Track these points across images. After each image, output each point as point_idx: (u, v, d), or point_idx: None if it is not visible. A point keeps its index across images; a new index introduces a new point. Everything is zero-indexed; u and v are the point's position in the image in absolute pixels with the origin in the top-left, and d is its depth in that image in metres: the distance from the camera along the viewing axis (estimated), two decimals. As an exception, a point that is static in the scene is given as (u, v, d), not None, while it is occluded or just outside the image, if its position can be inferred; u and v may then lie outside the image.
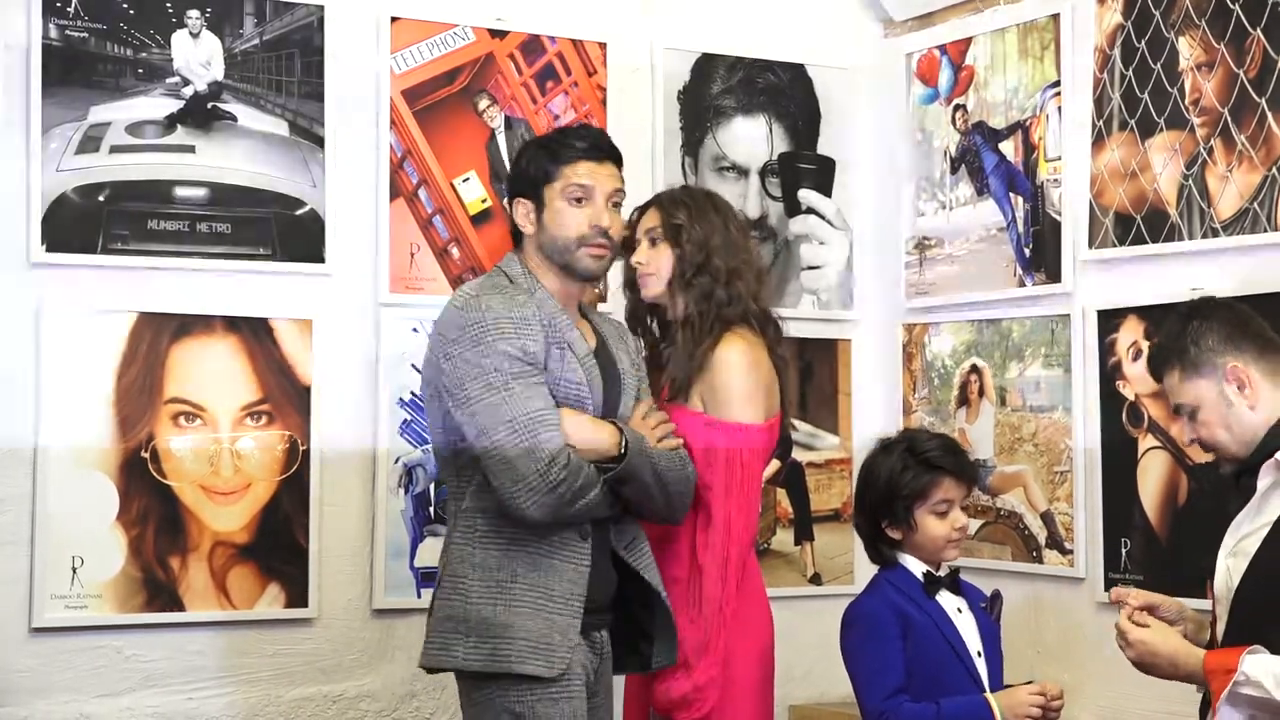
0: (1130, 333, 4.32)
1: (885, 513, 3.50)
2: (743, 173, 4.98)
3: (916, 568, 3.49)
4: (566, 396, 3.37)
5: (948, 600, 3.50)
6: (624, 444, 3.37)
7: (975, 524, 4.76)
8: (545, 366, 3.35)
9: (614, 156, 3.53)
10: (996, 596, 3.61)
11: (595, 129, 3.59)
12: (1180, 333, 3.18)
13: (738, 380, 3.67)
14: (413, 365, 4.39)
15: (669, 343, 3.78)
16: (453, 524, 3.44)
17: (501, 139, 4.59)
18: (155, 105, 4.21)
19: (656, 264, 3.76)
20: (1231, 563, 3.09)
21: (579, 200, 3.44)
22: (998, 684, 3.49)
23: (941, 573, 3.52)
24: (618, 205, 3.51)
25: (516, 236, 3.54)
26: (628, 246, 3.75)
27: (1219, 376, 3.12)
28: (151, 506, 4.12)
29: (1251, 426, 3.11)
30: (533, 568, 3.33)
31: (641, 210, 3.82)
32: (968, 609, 3.52)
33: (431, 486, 4.41)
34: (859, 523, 3.62)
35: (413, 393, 4.40)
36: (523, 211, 3.49)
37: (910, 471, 3.45)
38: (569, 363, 3.40)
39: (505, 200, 3.63)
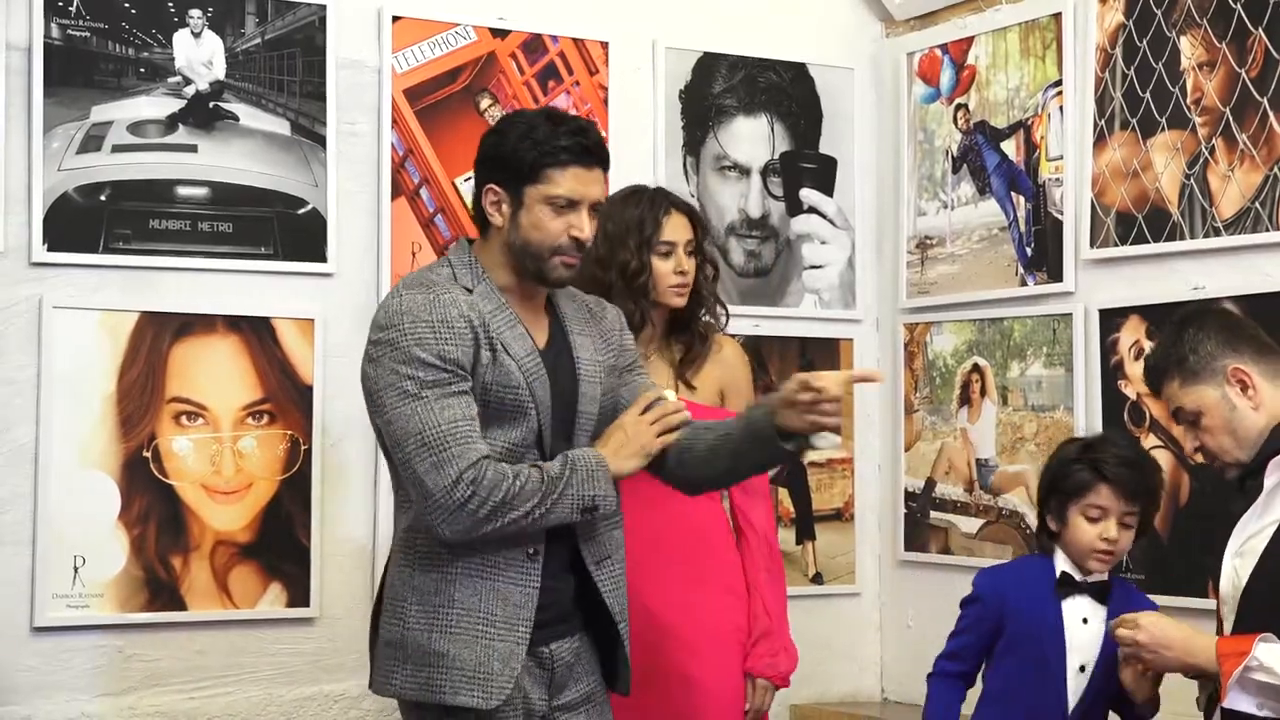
0: (1132, 332, 4.32)
1: (1047, 503, 3.46)
2: (744, 172, 4.98)
3: (1060, 564, 3.41)
4: (502, 401, 3.11)
5: (1076, 606, 3.39)
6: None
7: (977, 523, 4.76)
8: (473, 372, 3.08)
9: (604, 162, 3.21)
10: None
11: (586, 124, 3.21)
12: (1176, 342, 3.17)
13: (748, 376, 3.92)
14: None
15: (691, 347, 3.84)
16: (395, 541, 3.21)
17: (503, 138, 4.58)
18: (157, 104, 4.21)
19: (691, 274, 3.80)
20: (1238, 563, 3.08)
21: (561, 208, 3.11)
22: (1098, 705, 3.40)
23: (1090, 577, 3.39)
24: (596, 210, 3.19)
25: (480, 223, 3.22)
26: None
27: (1220, 380, 3.12)
28: (153, 506, 4.12)
29: (1255, 427, 3.10)
30: (472, 592, 3.09)
31: (664, 213, 3.79)
32: (1097, 621, 3.37)
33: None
34: (1038, 507, 3.57)
35: (414, 392, 4.39)
36: (493, 200, 3.14)
37: (1076, 466, 3.39)
38: (503, 365, 3.11)
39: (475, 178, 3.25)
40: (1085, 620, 3.37)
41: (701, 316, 3.88)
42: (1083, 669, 3.37)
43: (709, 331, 3.88)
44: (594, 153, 3.16)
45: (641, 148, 4.80)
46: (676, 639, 3.71)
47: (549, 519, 3.07)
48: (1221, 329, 3.17)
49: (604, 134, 4.67)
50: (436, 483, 2.98)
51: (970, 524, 4.79)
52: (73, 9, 4.12)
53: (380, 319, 3.08)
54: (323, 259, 4.35)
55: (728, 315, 3.96)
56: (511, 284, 3.18)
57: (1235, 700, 2.93)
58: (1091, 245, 4.44)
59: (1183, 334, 3.18)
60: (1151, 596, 4.19)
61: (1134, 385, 4.31)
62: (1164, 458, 4.21)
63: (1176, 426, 3.26)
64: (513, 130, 3.16)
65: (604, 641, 3.28)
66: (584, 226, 3.13)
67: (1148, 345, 4.26)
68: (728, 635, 3.78)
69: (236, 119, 4.29)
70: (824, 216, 5.10)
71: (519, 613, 3.09)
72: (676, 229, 3.79)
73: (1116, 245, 4.37)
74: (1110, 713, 3.46)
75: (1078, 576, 3.40)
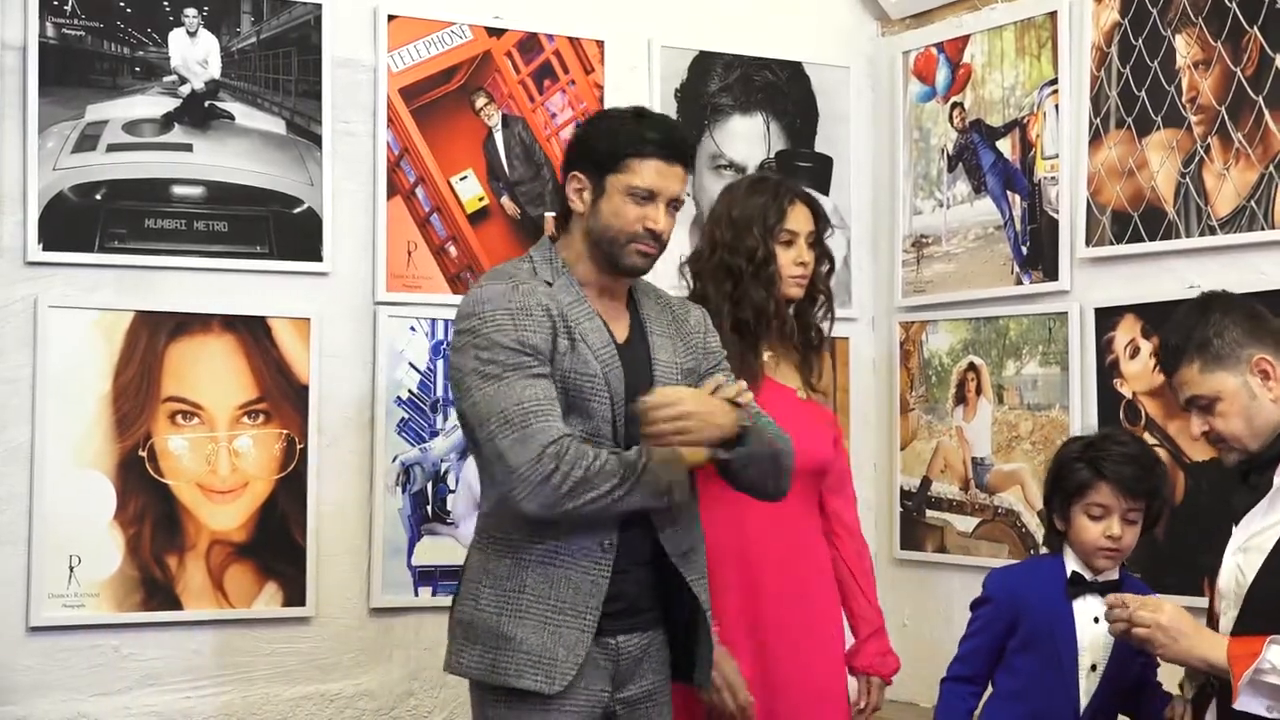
0: (1127, 331, 4.32)
1: (1051, 502, 3.46)
2: (740, 171, 4.98)
3: (1071, 564, 3.41)
4: (580, 389, 3.21)
5: (1087, 606, 3.38)
6: (741, 424, 3.19)
7: (973, 522, 4.76)
8: (551, 359, 3.18)
9: (686, 160, 3.31)
10: None
11: (673, 121, 3.39)
12: (1199, 325, 3.15)
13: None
14: (410, 364, 4.41)
15: (806, 339, 3.87)
16: (477, 527, 3.32)
17: (499, 137, 4.60)
18: (152, 104, 4.21)
19: (812, 267, 3.82)
20: (1241, 559, 3.08)
21: (641, 199, 3.21)
22: (1110, 705, 3.40)
23: (1101, 576, 3.39)
24: (676, 208, 3.30)
25: (563, 214, 3.33)
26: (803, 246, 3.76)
27: (1243, 368, 3.11)
28: (149, 505, 4.12)
29: (1272, 419, 3.09)
30: (543, 579, 3.17)
31: (789, 202, 3.79)
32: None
33: (429, 485, 4.42)
34: (1044, 504, 3.56)
35: (410, 391, 4.40)
36: (576, 187, 3.25)
37: (1078, 465, 3.39)
38: (580, 354, 3.21)
39: (562, 171, 3.34)
40: (1096, 620, 3.33)
41: (817, 312, 3.88)
42: (1094, 668, 3.37)
43: (818, 325, 3.90)
44: (677, 148, 3.28)
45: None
46: (784, 642, 3.71)
47: (626, 502, 3.13)
48: (1246, 317, 3.16)
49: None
50: (520, 457, 3.07)
51: (966, 523, 4.79)
52: (68, 8, 4.11)
53: (463, 309, 3.20)
54: (318, 258, 4.34)
55: (831, 315, 3.95)
56: (591, 277, 3.28)
57: (1247, 703, 2.92)
58: (1087, 244, 4.44)
59: (1207, 317, 3.15)
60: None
61: (1129, 384, 4.32)
62: (1160, 457, 4.21)
63: (1184, 410, 3.23)
64: (602, 121, 3.34)
65: (681, 634, 3.35)
66: (660, 219, 3.23)
67: (1143, 344, 4.26)
68: (834, 634, 3.81)
69: (232, 118, 4.29)
70: (820, 215, 5.10)
71: (588, 601, 3.17)
72: (799, 219, 3.80)
73: (1112, 244, 4.38)
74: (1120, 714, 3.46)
75: (1088, 576, 3.39)
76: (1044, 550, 3.62)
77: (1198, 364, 3.14)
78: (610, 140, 3.24)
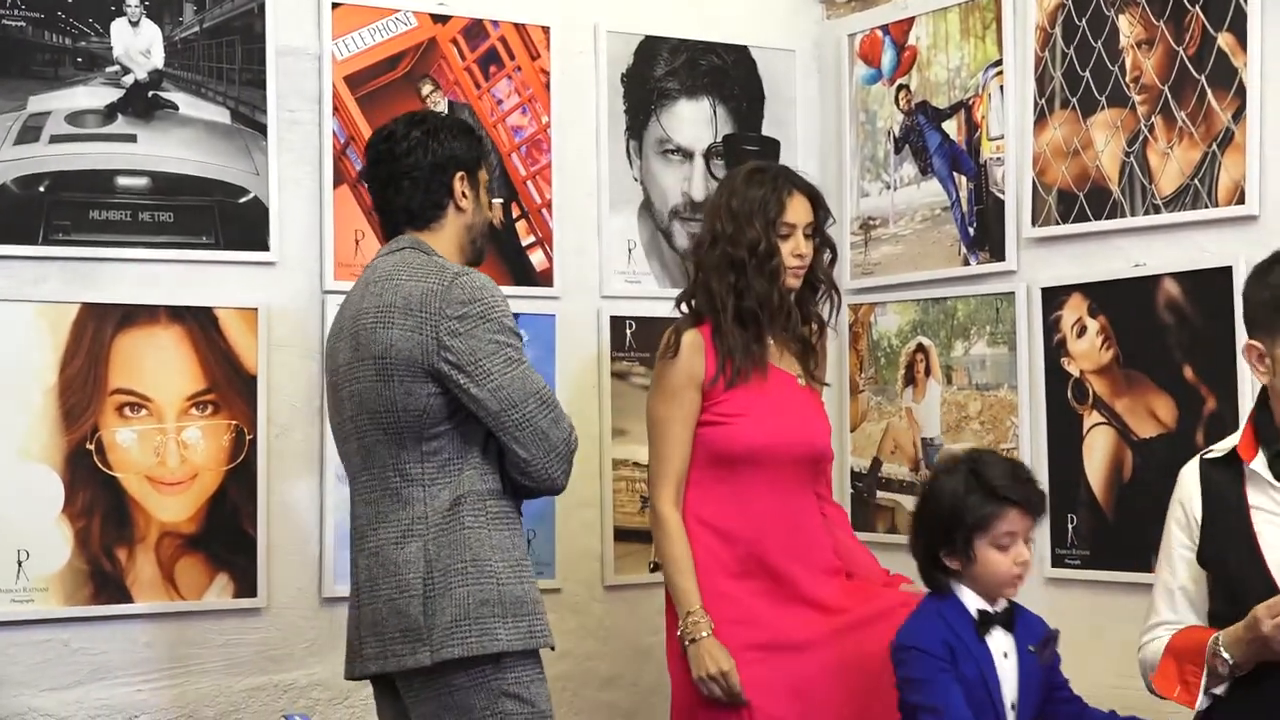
0: (1074, 310, 4.35)
1: (944, 540, 3.24)
2: (687, 155, 4.98)
3: (971, 602, 3.25)
4: None
5: (996, 642, 3.26)
6: None
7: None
8: None
9: None
10: (1050, 639, 3.35)
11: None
12: None
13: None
14: (359, 352, 4.39)
15: (809, 335, 3.94)
16: (444, 515, 3.36)
17: (445, 124, 4.58)
18: (95, 94, 4.18)
19: (810, 258, 3.87)
20: None
21: (490, 191, 3.65)
22: None
23: (998, 607, 3.27)
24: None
25: (429, 214, 3.53)
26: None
27: None
28: (98, 498, 4.10)
29: None
30: (524, 541, 3.44)
31: (788, 194, 3.84)
32: (1013, 652, 3.26)
33: (380, 474, 4.40)
34: (915, 545, 3.34)
35: (359, 380, 4.39)
36: (462, 189, 3.54)
37: (974, 498, 3.20)
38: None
39: (440, 176, 3.54)
40: (1006, 655, 3.26)
41: (818, 302, 3.94)
42: (1013, 706, 3.26)
43: (819, 315, 3.96)
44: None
45: (584, 132, 4.80)
46: (809, 635, 3.76)
47: None
48: None
49: (546, 119, 4.69)
50: (558, 435, 3.36)
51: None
52: (8, -1, 4.09)
53: (459, 296, 3.34)
54: (265, 248, 4.32)
55: (839, 303, 4.03)
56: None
57: None
58: (1033, 224, 4.46)
59: None
60: (1096, 571, 4.27)
61: (1077, 363, 4.34)
62: (1108, 434, 4.25)
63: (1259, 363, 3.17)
64: (467, 127, 3.65)
65: None
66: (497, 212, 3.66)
67: (1090, 323, 4.29)
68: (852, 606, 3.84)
69: (176, 108, 4.26)
70: (767, 199, 5.10)
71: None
72: (798, 210, 3.85)
73: (1058, 224, 4.40)
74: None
75: (990, 609, 3.27)
76: (924, 589, 3.40)
77: None
78: (475, 142, 3.60)
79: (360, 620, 3.45)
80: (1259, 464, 3.16)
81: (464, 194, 3.53)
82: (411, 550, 3.36)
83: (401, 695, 3.44)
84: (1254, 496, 3.17)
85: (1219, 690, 3.13)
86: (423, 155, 3.50)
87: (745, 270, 3.79)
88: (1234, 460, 3.21)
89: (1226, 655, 3.07)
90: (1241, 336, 3.87)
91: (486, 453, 3.41)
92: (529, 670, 3.37)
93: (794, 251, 3.83)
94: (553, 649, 3.45)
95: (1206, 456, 3.29)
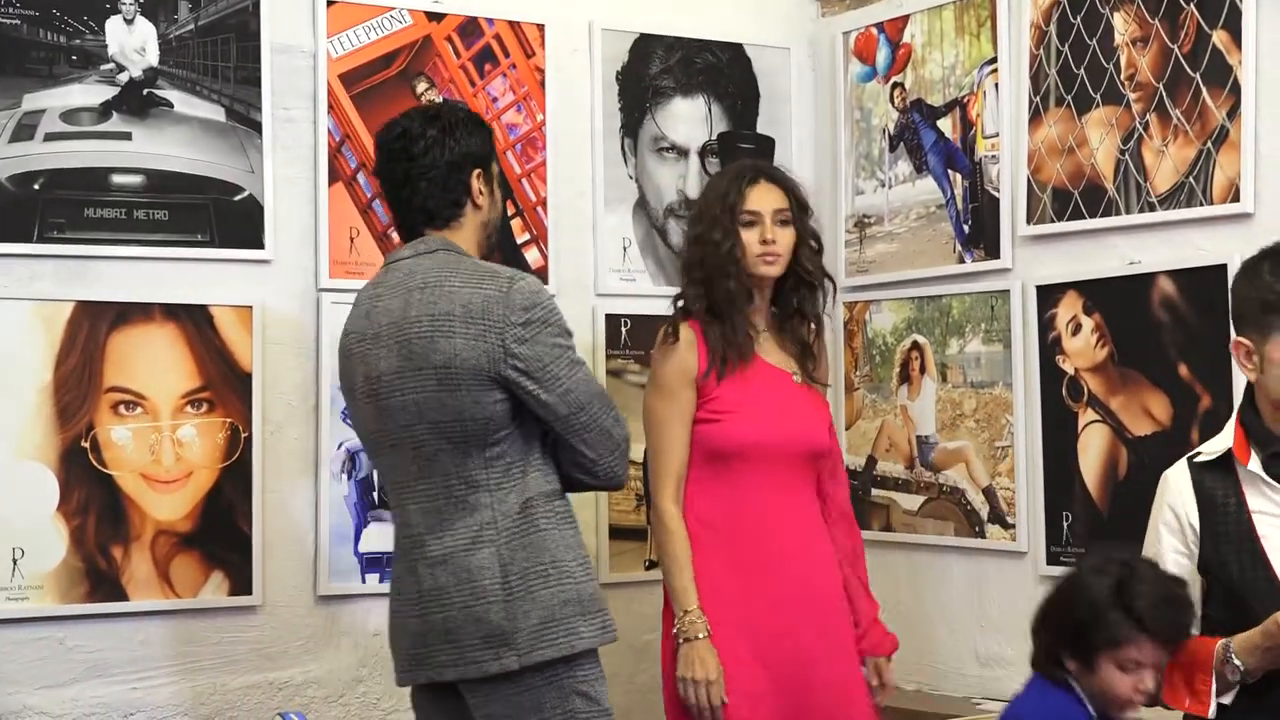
0: (1069, 308, 4.35)
1: (1069, 643, 3.03)
2: (682, 153, 4.98)
3: (1089, 704, 3.02)
4: None
5: None
6: None
7: (918, 500, 4.78)
8: None
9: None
10: None
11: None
12: None
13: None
14: (354, 350, 4.39)
15: (794, 327, 3.93)
16: (515, 519, 3.33)
17: (440, 122, 4.57)
18: (90, 92, 4.17)
19: (784, 243, 3.84)
20: None
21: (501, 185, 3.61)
22: None
23: None
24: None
25: (447, 212, 3.47)
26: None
27: None
28: (92, 496, 4.09)
29: None
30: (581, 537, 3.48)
31: (748, 183, 3.84)
32: None
33: (375, 472, 4.40)
34: (1038, 631, 3.13)
35: (354, 378, 4.38)
36: (480, 186, 3.49)
37: (1113, 615, 2.97)
38: None
39: (458, 175, 3.48)
40: None
41: (805, 298, 3.92)
42: None
43: (815, 314, 3.94)
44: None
45: (579, 130, 4.80)
46: (798, 630, 3.77)
47: None
48: None
49: (541, 116, 4.69)
50: (620, 433, 3.43)
51: (911, 501, 4.81)
52: (2, -3, 4.08)
53: (520, 302, 3.33)
54: (260, 246, 4.32)
55: (832, 293, 4.00)
56: None
57: None
58: (1028, 222, 4.46)
59: None
60: (1091, 570, 4.25)
61: (1072, 360, 4.34)
62: (1102, 432, 4.25)
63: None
64: (478, 120, 3.59)
65: None
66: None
67: (1085, 320, 4.29)
68: (843, 615, 3.88)
69: (171, 106, 4.26)
70: (762, 196, 5.10)
71: None
72: (761, 198, 3.83)
73: (1053, 221, 4.40)
74: None
75: None
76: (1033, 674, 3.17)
77: None
78: (489, 136, 3.55)
79: (427, 628, 3.37)
80: (1255, 466, 3.13)
81: (481, 191, 3.49)
82: (484, 556, 3.32)
83: (466, 699, 3.38)
84: (1253, 500, 3.13)
85: (1226, 699, 3.09)
86: (440, 154, 3.43)
87: (713, 263, 3.80)
88: (1228, 463, 3.18)
89: (1238, 662, 3.04)
90: (1236, 334, 3.90)
91: (545, 453, 3.41)
92: (595, 668, 3.38)
93: (760, 238, 3.81)
94: (594, 653, 3.42)
95: (1195, 460, 3.25)
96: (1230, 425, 3.23)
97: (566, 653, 3.30)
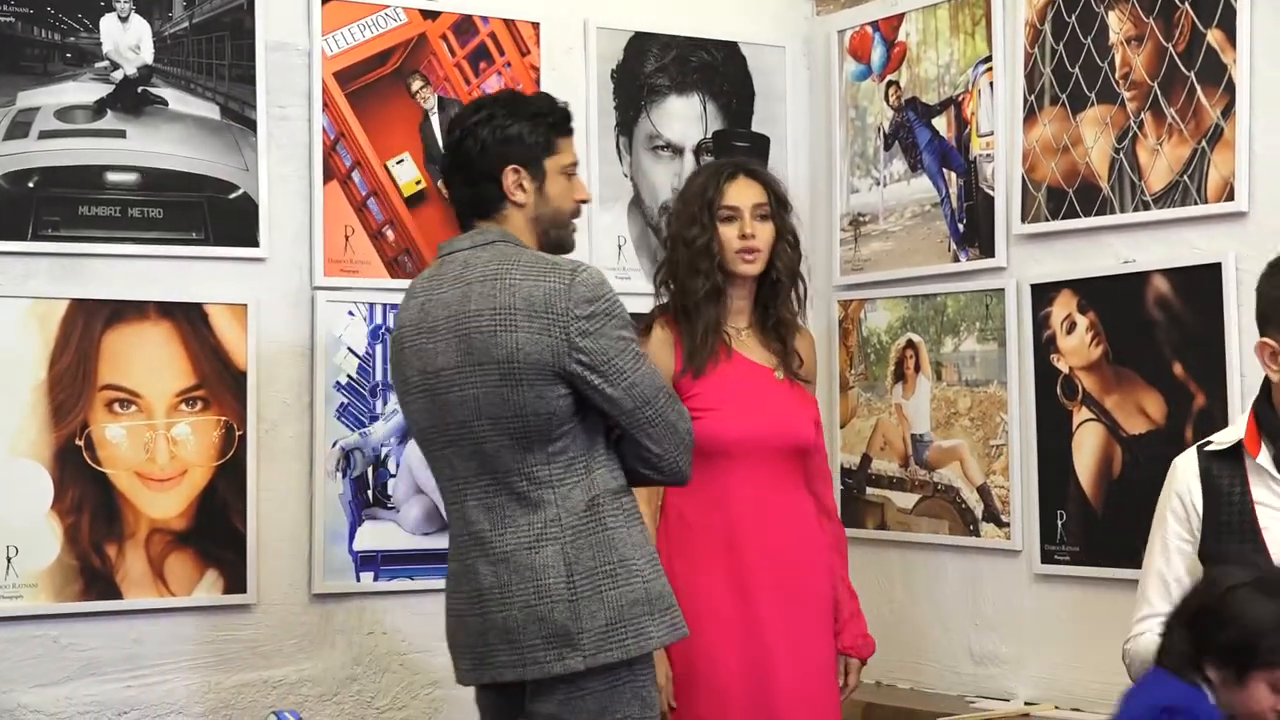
0: (1064, 306, 4.35)
1: (1219, 654, 2.86)
2: (677, 151, 4.98)
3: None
4: None
5: None
6: None
7: (913, 499, 4.78)
8: None
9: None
10: None
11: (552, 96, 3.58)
12: None
13: (814, 363, 4.08)
14: (349, 348, 4.39)
15: (769, 325, 3.91)
16: (581, 516, 3.24)
17: (435, 120, 4.57)
18: (84, 90, 4.17)
19: (763, 239, 3.83)
20: None
21: (570, 176, 3.44)
22: None
23: None
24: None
25: (487, 206, 3.37)
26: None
27: None
28: (87, 494, 4.09)
29: None
30: (649, 535, 3.38)
31: (727, 179, 3.85)
32: None
33: (369, 470, 4.40)
34: (1176, 628, 2.95)
35: (350, 376, 4.38)
36: (515, 180, 3.34)
37: (1277, 638, 2.81)
38: None
39: (488, 171, 3.38)
40: None
41: (779, 296, 3.90)
42: None
43: (783, 314, 3.92)
44: (571, 119, 3.51)
45: (574, 128, 4.78)
46: (775, 621, 3.78)
47: None
48: None
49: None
50: (685, 426, 3.33)
51: (906, 499, 4.81)
52: (-4, -6, 4.08)
53: (584, 294, 3.23)
54: (255, 244, 4.32)
55: (804, 293, 3.98)
56: None
57: None
58: (1023, 220, 4.46)
59: None
60: (1085, 568, 4.27)
61: (1066, 359, 4.34)
62: (1097, 430, 4.25)
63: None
64: (518, 115, 3.41)
65: None
66: (586, 190, 3.54)
67: (1079, 319, 4.29)
68: (824, 610, 3.89)
69: (165, 104, 4.25)
70: (757, 195, 5.10)
71: None
72: (740, 193, 3.83)
73: (1047, 220, 4.40)
74: None
75: None
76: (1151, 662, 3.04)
77: None
78: (539, 127, 3.38)
79: (487, 627, 3.27)
80: (1265, 459, 3.15)
81: (520, 187, 3.35)
82: (549, 554, 3.22)
83: (528, 699, 3.29)
84: (1258, 492, 3.15)
85: None
86: (473, 147, 3.36)
87: (687, 260, 3.81)
88: (1237, 453, 3.19)
89: None
90: (1231, 333, 3.92)
91: (610, 449, 3.31)
92: (650, 670, 3.29)
93: (739, 233, 3.81)
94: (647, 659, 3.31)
95: (1206, 448, 3.26)
96: (1244, 417, 3.25)
97: (635, 653, 3.22)
